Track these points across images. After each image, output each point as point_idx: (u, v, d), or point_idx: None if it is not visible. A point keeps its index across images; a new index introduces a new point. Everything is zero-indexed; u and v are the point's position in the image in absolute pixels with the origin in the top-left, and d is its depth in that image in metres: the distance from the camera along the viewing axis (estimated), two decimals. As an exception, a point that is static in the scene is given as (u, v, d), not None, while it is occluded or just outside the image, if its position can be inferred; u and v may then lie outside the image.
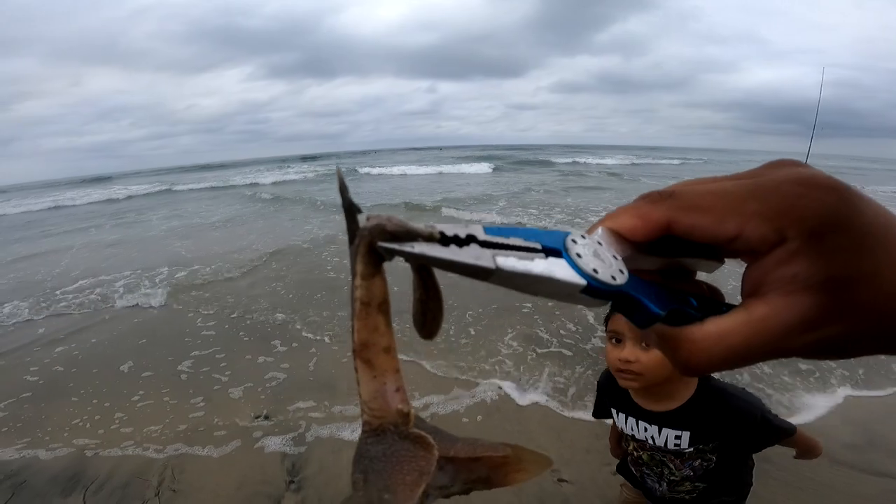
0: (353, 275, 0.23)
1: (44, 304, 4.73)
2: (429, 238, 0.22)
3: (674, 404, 1.11)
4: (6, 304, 4.80)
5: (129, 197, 18.46)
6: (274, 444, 2.36)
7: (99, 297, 4.85)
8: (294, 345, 3.44)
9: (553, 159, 27.22)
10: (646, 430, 1.16)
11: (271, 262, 5.84)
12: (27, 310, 4.60)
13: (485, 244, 0.22)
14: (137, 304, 4.56)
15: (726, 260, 0.26)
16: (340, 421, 2.51)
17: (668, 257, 0.25)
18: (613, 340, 1.09)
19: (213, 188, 19.08)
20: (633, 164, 24.48)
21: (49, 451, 2.40)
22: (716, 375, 1.19)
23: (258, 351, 3.38)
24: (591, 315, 3.71)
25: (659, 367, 1.04)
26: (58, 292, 5.11)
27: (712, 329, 0.23)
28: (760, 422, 1.08)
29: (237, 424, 2.53)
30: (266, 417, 2.58)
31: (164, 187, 20.94)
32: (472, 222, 0.23)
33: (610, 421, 1.34)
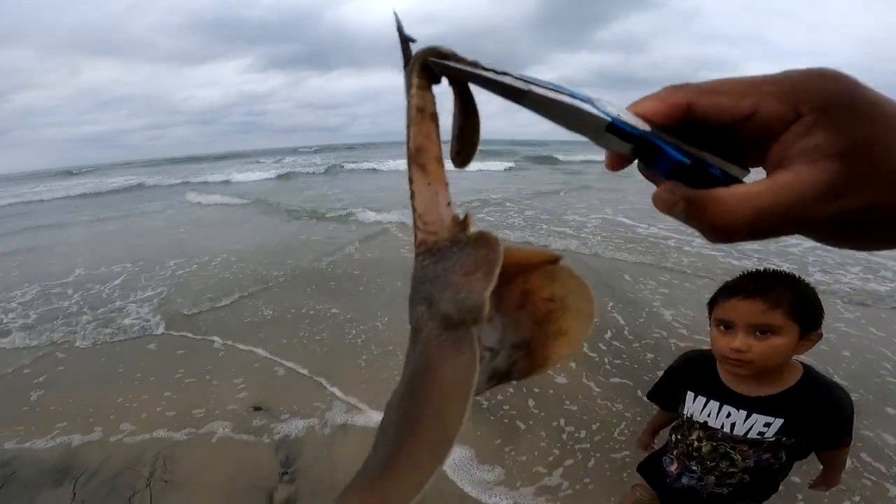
0: (409, 88, 0.26)
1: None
2: (472, 63, 0.26)
3: (772, 390, 1.04)
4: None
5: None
6: (267, 435, 2.35)
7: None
8: (284, 341, 3.41)
9: (559, 156, 25.82)
10: (728, 415, 1.08)
11: (265, 263, 5.80)
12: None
13: (519, 78, 0.26)
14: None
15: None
16: (334, 413, 2.49)
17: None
18: (722, 328, 1.04)
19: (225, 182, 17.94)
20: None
21: (40, 441, 2.38)
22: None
23: (252, 344, 3.36)
24: (622, 319, 3.45)
25: (772, 355, 0.99)
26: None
27: (739, 191, 0.24)
28: (845, 421, 1.04)
29: (231, 415, 2.51)
30: (260, 409, 2.56)
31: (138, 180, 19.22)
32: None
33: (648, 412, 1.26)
